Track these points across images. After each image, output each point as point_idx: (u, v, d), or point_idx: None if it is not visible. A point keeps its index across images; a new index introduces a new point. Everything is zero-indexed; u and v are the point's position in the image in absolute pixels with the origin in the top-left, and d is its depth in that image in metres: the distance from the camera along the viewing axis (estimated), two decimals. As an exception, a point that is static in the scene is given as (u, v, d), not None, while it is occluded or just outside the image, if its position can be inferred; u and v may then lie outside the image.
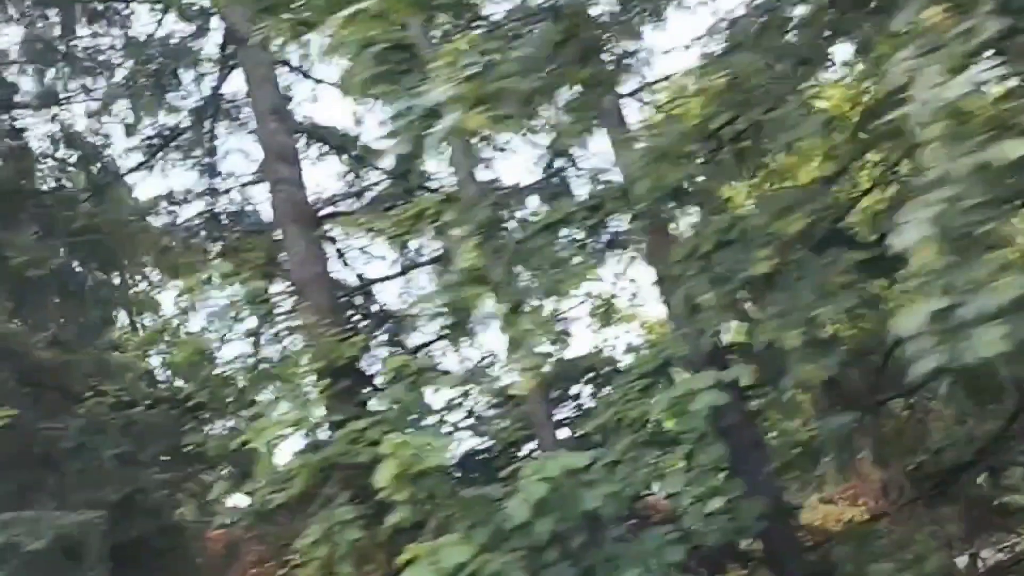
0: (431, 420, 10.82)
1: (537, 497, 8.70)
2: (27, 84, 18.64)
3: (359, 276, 15.03)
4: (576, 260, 9.74)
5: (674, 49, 11.73)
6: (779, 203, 8.25)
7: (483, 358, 12.63)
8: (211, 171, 16.96)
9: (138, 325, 20.14)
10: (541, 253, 9.45)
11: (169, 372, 18.04)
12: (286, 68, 15.14)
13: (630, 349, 12.28)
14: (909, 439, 14.14)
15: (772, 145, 8.32)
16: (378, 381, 12.38)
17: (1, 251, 15.10)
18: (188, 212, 18.94)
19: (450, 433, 11.20)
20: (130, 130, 19.30)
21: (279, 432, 10.48)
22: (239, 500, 19.00)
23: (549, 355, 10.72)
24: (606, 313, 12.78)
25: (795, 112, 7.38)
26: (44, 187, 19.01)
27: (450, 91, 6.56)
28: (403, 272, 14.04)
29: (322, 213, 13.57)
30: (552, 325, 10.87)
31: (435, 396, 11.45)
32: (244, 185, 16.28)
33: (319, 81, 15.48)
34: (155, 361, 19.35)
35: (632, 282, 14.18)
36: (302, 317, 12.20)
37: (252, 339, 14.88)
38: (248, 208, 17.88)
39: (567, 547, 8.95)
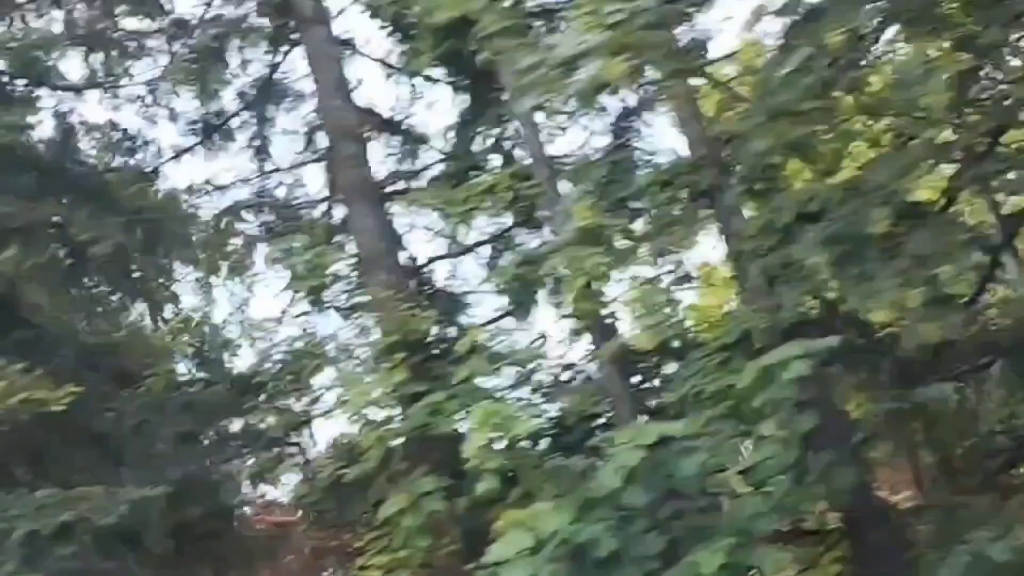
0: (508, 393, 10.83)
1: (631, 464, 8.69)
2: (74, 67, 18.68)
3: (411, 258, 15.04)
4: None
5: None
6: (902, 161, 8.17)
7: (539, 336, 12.62)
8: (265, 152, 16.96)
9: (182, 309, 20.23)
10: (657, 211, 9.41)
11: (223, 353, 18.12)
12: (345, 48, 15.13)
13: (703, 323, 12.24)
14: (960, 423, 14.07)
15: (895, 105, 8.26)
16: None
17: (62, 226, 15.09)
18: (239, 194, 19.22)
19: (530, 406, 11.20)
20: (176, 113, 19.52)
21: (364, 403, 10.47)
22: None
23: (667, 317, 10.77)
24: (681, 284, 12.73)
25: (916, 68, 7.32)
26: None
27: (593, 39, 6.51)
28: (467, 250, 14.04)
29: (387, 190, 13.59)
30: (662, 290, 10.93)
31: (506, 371, 11.44)
32: (300, 165, 16.30)
33: (376, 60, 15.48)
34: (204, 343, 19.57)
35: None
36: (370, 293, 12.20)
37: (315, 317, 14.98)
38: (300, 188, 18.01)
39: (656, 517, 8.94)
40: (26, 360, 13.30)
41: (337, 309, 12.85)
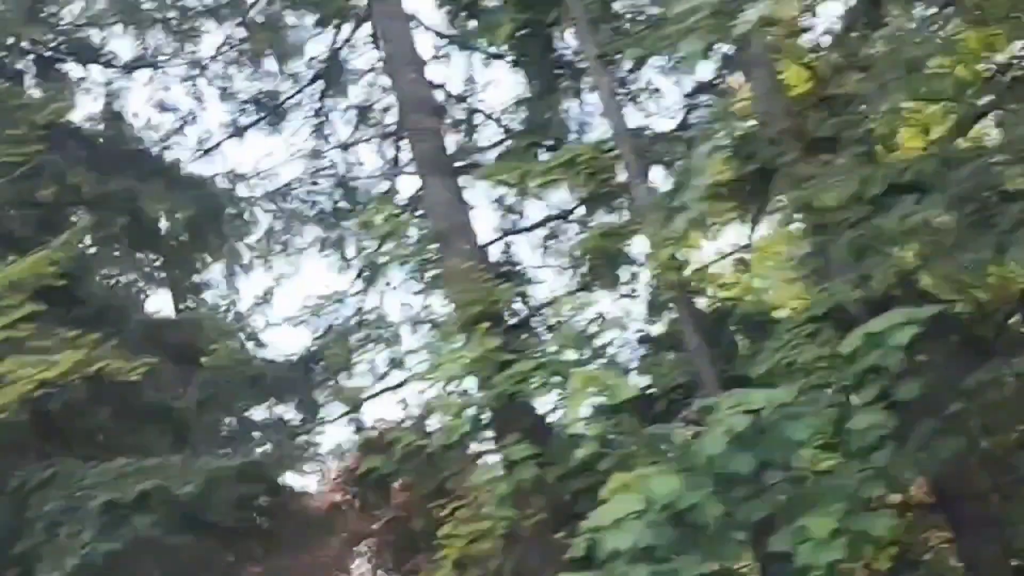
0: (598, 363, 10.78)
1: (737, 430, 8.65)
2: (123, 46, 18.67)
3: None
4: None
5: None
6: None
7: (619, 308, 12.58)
8: (326, 129, 16.99)
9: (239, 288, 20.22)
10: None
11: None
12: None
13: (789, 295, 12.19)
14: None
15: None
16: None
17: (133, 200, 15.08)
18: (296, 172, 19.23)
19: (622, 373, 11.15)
20: (231, 92, 19.54)
21: (450, 373, 10.46)
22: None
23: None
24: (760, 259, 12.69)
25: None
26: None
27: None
28: (541, 223, 14.00)
29: (459, 164, 13.56)
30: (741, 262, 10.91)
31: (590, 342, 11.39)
32: (363, 141, 16.30)
33: (441, 36, 15.46)
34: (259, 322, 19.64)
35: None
36: (447, 265, 12.18)
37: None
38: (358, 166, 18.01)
39: (761, 482, 8.92)
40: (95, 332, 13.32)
41: (413, 282, 12.83)
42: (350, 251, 18.61)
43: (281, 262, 19.55)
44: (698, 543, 8.79)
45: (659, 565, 8.65)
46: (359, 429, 18.24)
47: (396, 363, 18.21)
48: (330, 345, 18.23)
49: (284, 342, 18.67)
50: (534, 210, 13.99)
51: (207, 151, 19.30)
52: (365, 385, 16.30)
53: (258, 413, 18.02)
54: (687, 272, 11.15)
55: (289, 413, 18.26)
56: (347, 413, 18.00)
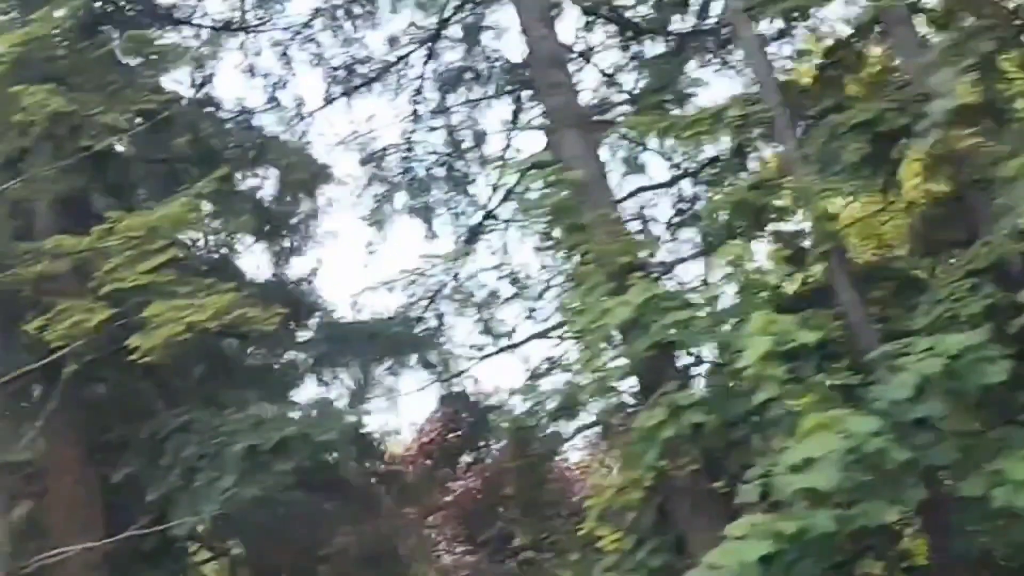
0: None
1: (928, 373, 8.60)
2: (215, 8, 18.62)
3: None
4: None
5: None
6: None
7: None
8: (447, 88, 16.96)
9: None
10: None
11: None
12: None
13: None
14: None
15: None
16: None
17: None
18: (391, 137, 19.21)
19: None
20: (326, 58, 19.53)
21: (602, 324, 10.41)
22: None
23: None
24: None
25: None
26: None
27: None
28: (679, 178, 13.93)
29: (595, 119, 13.52)
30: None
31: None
32: (484, 99, 16.28)
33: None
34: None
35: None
36: (585, 219, 12.11)
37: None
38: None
39: (943, 428, 8.86)
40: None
41: (536, 239, 12.79)
42: (451, 216, 18.78)
43: (377, 227, 19.51)
44: (879, 489, 8.77)
45: (844, 510, 8.64)
46: (455, 395, 18.33)
47: (490, 329, 18.38)
48: (431, 309, 18.40)
49: (380, 306, 18.40)
50: (662, 167, 13.95)
51: (305, 116, 19.27)
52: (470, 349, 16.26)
53: (356, 375, 18.04)
54: (838, 225, 11.05)
55: (386, 376, 18.34)
56: (448, 377, 18.09)
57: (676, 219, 14.26)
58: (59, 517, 12.91)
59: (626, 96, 15.03)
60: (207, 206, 16.06)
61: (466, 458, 20.37)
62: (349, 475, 15.28)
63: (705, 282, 11.52)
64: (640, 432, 10.23)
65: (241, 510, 12.47)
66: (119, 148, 14.13)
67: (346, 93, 19.04)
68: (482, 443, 20.04)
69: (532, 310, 17.19)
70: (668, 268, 13.07)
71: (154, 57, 13.98)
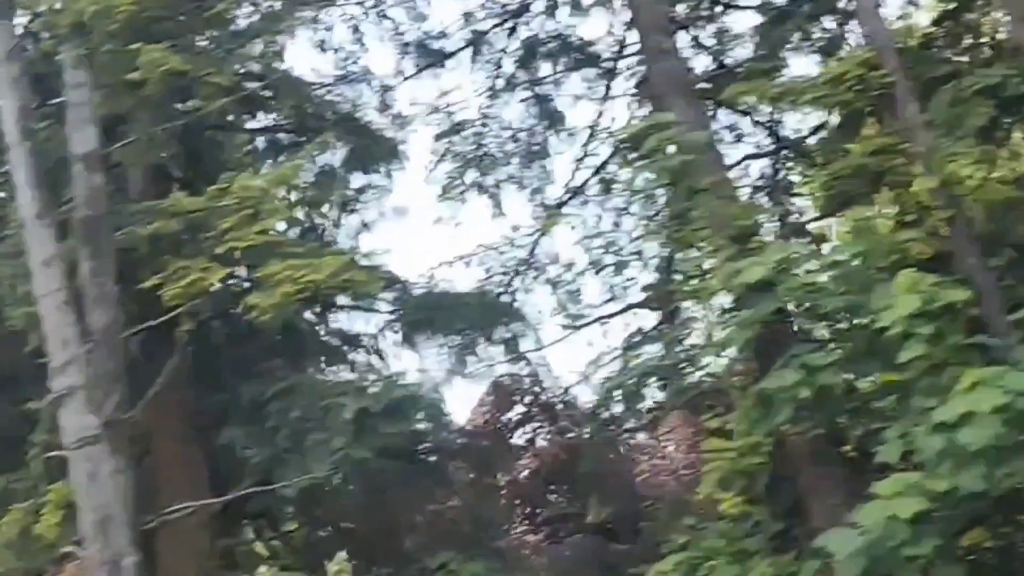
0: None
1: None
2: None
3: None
4: None
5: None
6: None
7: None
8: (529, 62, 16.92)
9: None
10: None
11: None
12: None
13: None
14: None
15: None
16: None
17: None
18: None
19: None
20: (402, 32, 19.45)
21: (733, 284, 10.33)
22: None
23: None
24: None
25: None
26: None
27: None
28: (792, 144, 13.79)
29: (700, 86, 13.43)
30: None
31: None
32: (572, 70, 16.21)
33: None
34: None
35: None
36: (700, 183, 12.01)
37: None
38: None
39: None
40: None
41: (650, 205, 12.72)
42: (528, 191, 18.73)
43: (449, 203, 19.43)
44: None
45: (995, 468, 8.55)
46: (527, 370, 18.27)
47: (569, 305, 18.34)
48: (511, 283, 18.37)
49: (456, 281, 18.35)
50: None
51: (378, 91, 19.20)
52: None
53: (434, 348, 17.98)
54: (964, 189, 10.93)
55: (463, 350, 18.28)
56: (524, 353, 18.01)
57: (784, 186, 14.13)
58: (165, 477, 12.93)
59: (722, 66, 14.91)
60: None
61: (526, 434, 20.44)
62: (443, 444, 15.27)
63: (818, 248, 11.36)
64: (768, 394, 10.14)
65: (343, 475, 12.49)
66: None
67: (421, 68, 19.02)
68: (547, 420, 20.15)
69: (611, 287, 17.21)
70: (784, 234, 12.92)
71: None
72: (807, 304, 10.58)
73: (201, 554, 12.30)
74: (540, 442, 20.27)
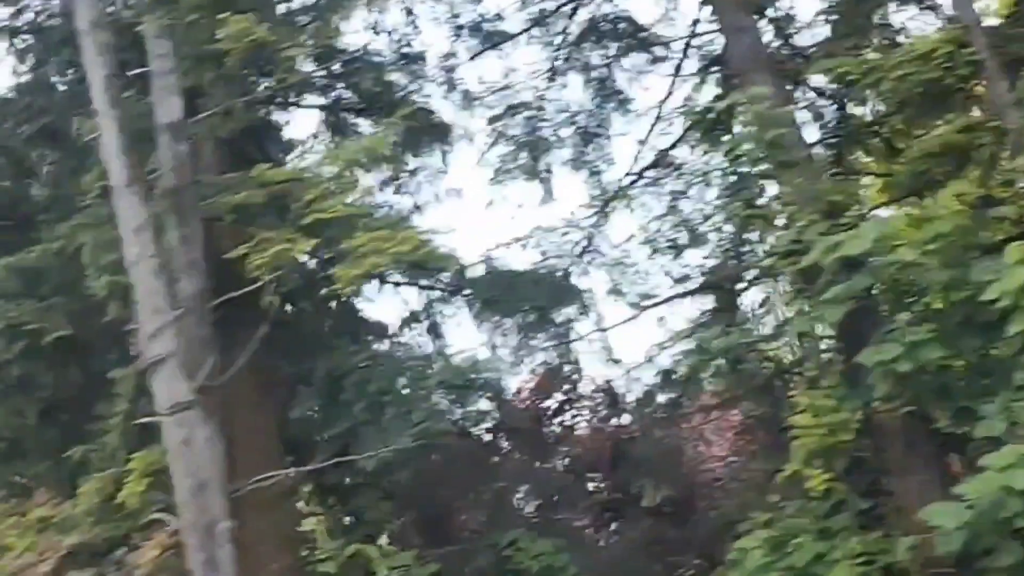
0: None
1: None
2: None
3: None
4: None
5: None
6: None
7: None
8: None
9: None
10: None
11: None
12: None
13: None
14: None
15: None
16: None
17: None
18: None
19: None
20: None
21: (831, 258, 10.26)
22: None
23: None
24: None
25: None
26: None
27: None
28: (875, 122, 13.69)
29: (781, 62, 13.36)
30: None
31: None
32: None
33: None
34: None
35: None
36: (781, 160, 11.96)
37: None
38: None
39: None
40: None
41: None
42: (587, 174, 18.65)
43: (502, 185, 19.36)
44: None
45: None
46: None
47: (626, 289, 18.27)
48: (568, 266, 18.30)
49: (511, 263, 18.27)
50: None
51: (433, 72, 19.11)
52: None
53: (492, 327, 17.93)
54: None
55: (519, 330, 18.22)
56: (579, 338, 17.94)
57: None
58: (240, 448, 12.91)
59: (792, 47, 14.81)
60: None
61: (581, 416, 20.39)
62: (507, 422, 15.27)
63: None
64: (864, 369, 10.09)
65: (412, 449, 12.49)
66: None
67: (480, 51, 18.96)
68: (602, 403, 20.11)
69: (675, 270, 17.12)
70: (866, 212, 12.84)
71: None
72: (901, 280, 10.52)
73: (281, 524, 12.28)
74: (597, 425, 20.19)
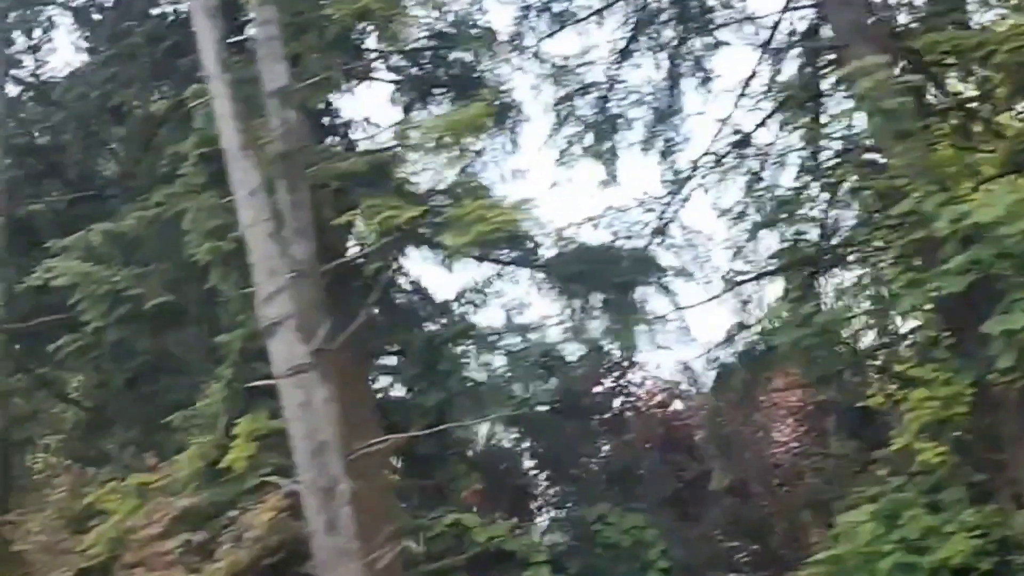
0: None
1: None
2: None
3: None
4: None
5: None
6: None
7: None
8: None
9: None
10: None
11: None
12: None
13: None
14: None
15: None
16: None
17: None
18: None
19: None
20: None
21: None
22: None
23: None
24: None
25: None
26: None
27: None
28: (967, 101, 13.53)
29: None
30: None
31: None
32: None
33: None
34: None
35: None
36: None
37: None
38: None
39: None
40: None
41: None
42: (659, 154, 18.53)
43: (570, 167, 19.23)
44: None
45: None
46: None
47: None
48: (643, 246, 18.18)
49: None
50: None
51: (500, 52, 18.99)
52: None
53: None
54: None
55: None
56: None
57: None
58: (346, 413, 12.91)
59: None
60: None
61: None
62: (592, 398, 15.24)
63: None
64: (986, 339, 9.99)
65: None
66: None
67: (551, 32, 18.84)
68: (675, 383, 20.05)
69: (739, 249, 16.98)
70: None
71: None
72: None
73: (385, 490, 12.28)
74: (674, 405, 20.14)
